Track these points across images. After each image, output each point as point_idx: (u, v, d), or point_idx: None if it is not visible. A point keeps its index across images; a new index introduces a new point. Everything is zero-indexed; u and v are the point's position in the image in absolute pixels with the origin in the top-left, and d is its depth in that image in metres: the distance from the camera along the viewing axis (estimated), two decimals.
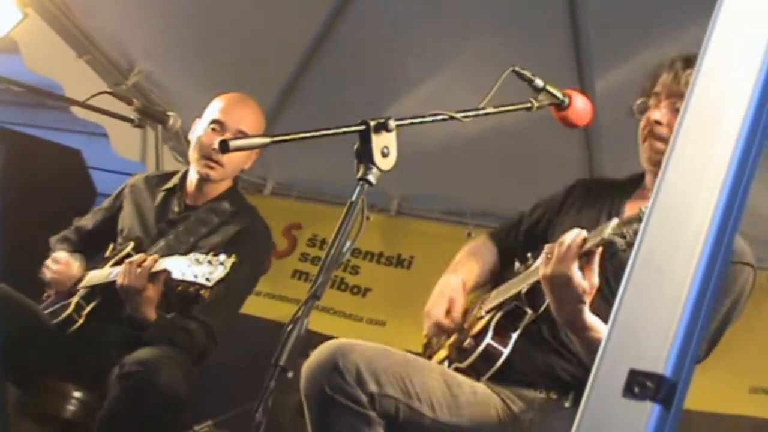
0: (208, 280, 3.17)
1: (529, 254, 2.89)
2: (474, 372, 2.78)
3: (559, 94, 2.72)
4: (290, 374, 2.11)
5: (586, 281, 2.38)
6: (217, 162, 3.72)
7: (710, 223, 1.13)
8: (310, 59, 4.96)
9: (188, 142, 4.64)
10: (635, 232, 2.33)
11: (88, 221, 4.06)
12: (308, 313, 2.25)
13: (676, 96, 2.73)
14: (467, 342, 2.84)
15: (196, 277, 3.18)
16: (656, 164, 2.77)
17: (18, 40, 4.71)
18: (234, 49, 4.85)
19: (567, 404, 2.70)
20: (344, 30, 4.78)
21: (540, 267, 2.49)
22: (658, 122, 2.75)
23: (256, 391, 2.20)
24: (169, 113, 4.21)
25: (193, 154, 3.81)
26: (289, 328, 2.22)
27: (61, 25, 4.86)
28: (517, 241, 3.14)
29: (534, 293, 2.72)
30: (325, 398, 2.46)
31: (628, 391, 1.08)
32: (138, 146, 5.26)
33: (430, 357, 3.03)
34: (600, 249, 2.39)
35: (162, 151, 5.21)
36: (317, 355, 2.45)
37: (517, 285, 2.79)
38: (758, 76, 1.20)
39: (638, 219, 2.38)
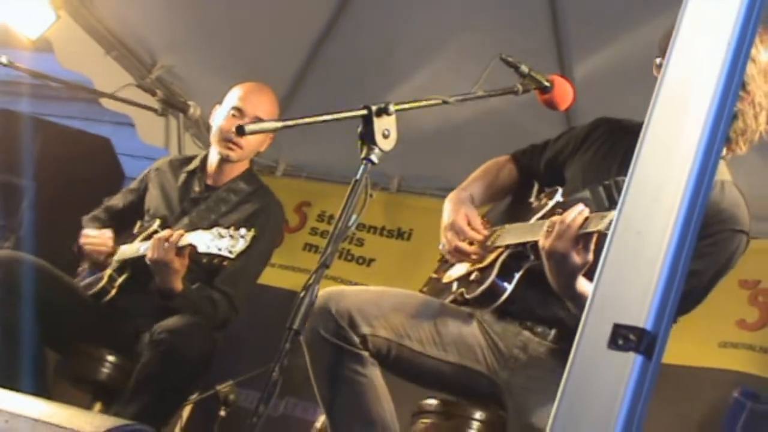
0: (230, 252, 3.17)
1: (542, 192, 2.87)
2: (477, 304, 2.75)
3: (542, 79, 2.73)
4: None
5: (581, 258, 2.37)
6: (237, 144, 3.73)
7: (683, 190, 1.12)
8: (316, 51, 4.95)
9: (207, 129, 4.65)
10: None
11: (117, 201, 4.05)
12: (319, 281, 2.26)
13: None
14: (474, 275, 2.79)
15: (219, 249, 3.18)
16: None
17: (51, 39, 4.70)
18: (247, 42, 4.84)
19: (550, 338, 2.70)
20: (346, 25, 4.77)
21: (540, 238, 2.46)
22: None
23: (273, 353, 2.21)
24: (190, 103, 4.22)
25: (214, 138, 3.80)
26: (302, 294, 2.23)
27: (90, 25, 4.85)
28: (538, 167, 3.06)
29: (538, 247, 2.67)
30: (322, 342, 2.48)
31: (613, 343, 1.08)
32: (161, 133, 5.25)
33: (440, 278, 2.98)
34: (596, 236, 2.37)
35: (183, 138, 5.22)
36: (317, 307, 2.43)
37: (526, 234, 2.71)
38: (725, 57, 1.19)
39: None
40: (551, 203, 2.75)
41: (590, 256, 2.38)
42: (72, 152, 5.71)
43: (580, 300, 2.44)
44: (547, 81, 2.73)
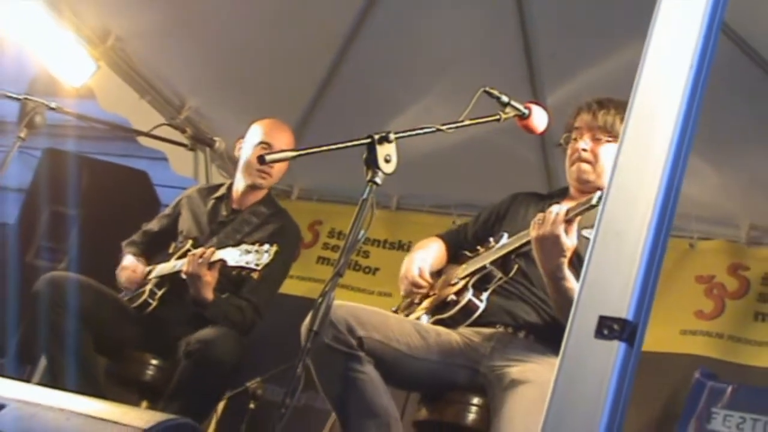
0: (257, 265, 3.18)
1: (490, 238, 2.91)
2: (453, 322, 2.79)
3: (521, 107, 2.72)
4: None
5: (569, 240, 2.45)
6: (267, 173, 3.75)
7: (656, 195, 1.11)
8: (323, 91, 4.96)
9: (231, 161, 4.65)
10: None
11: (153, 225, 4.04)
12: (334, 288, 2.25)
13: (595, 130, 2.82)
14: (450, 298, 2.83)
15: (247, 263, 3.19)
16: (582, 182, 2.86)
17: (93, 86, 4.70)
18: (261, 84, 4.84)
19: (521, 336, 2.70)
20: (349, 67, 4.78)
21: (531, 231, 2.54)
22: (584, 150, 2.82)
23: (293, 352, 2.20)
24: (215, 138, 4.20)
25: (245, 169, 3.80)
26: (319, 300, 2.22)
27: (126, 74, 4.84)
28: (465, 239, 3.15)
29: (504, 262, 2.77)
30: (323, 346, 2.45)
31: (599, 333, 1.07)
32: (191, 165, 5.24)
33: (408, 315, 3.01)
34: (579, 218, 2.47)
35: (210, 169, 5.21)
36: (311, 316, 2.42)
37: (487, 257, 2.82)
38: (688, 76, 1.18)
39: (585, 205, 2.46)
40: (501, 242, 2.83)
41: (575, 239, 2.47)
42: (113, 185, 5.70)
43: (564, 283, 2.51)
44: (525, 108, 2.73)
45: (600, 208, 1.18)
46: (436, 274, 3.07)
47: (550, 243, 2.47)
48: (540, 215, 2.53)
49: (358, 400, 2.52)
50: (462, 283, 2.86)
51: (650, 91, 1.21)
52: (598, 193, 2.45)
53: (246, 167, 3.80)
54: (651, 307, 1.13)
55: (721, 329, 4.33)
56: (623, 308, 1.09)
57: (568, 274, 2.51)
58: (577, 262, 2.56)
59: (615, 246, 1.14)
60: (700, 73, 1.19)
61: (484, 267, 2.81)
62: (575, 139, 2.87)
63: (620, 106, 2.78)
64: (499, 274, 2.77)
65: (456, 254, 3.11)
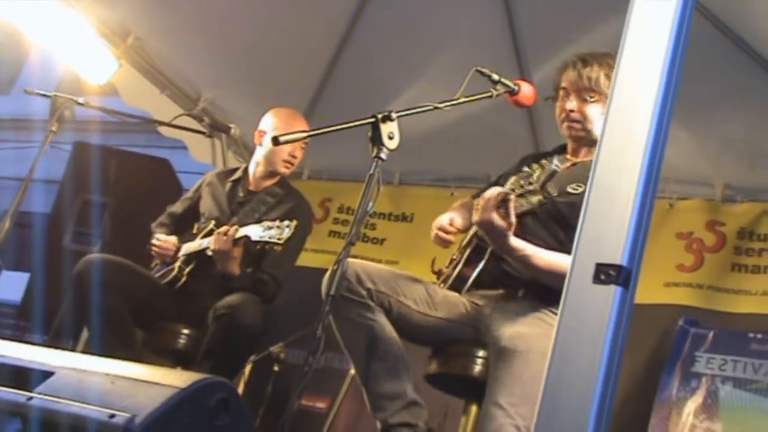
0: (279, 239, 3.18)
1: None
2: (453, 290, 2.80)
3: (510, 84, 2.72)
4: None
5: (504, 221, 2.41)
6: (291, 163, 3.79)
7: (644, 149, 1.12)
8: (328, 75, 4.96)
9: (245, 146, 4.65)
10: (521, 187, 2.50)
11: (177, 208, 4.04)
12: (347, 255, 2.27)
13: (581, 90, 2.76)
14: (448, 270, 2.86)
15: (270, 237, 3.19)
16: (575, 139, 2.83)
17: (116, 83, 4.69)
18: (271, 73, 4.83)
19: (519, 295, 2.69)
20: (351, 55, 4.78)
21: (473, 216, 2.51)
22: (571, 110, 2.77)
23: (310, 318, 2.21)
24: (231, 125, 4.19)
25: (269, 158, 3.80)
26: (335, 267, 2.23)
27: (146, 70, 4.83)
28: None
29: None
30: (338, 298, 2.45)
31: (597, 278, 1.08)
32: (209, 152, 5.23)
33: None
34: (513, 197, 2.42)
35: (227, 154, 5.20)
36: (328, 280, 2.41)
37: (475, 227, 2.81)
38: (668, 47, 1.18)
39: (526, 175, 2.51)
40: None
41: (513, 219, 2.41)
42: (138, 173, 5.73)
43: (518, 254, 2.49)
44: (515, 84, 2.73)
45: (593, 165, 1.18)
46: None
47: (487, 228, 2.44)
48: (476, 201, 2.50)
49: (370, 346, 2.53)
50: (456, 258, 2.87)
51: (635, 50, 1.21)
52: (513, 178, 2.52)
53: (270, 157, 3.79)
54: (643, 254, 1.14)
55: (701, 280, 4.34)
56: (618, 255, 1.09)
57: (517, 244, 2.47)
58: (562, 215, 2.60)
59: (606, 199, 1.14)
60: (679, 40, 1.19)
61: (475, 234, 2.80)
62: (563, 99, 2.82)
63: (603, 62, 2.73)
64: (488, 245, 2.71)
65: None
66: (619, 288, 1.08)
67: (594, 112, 2.77)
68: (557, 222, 2.65)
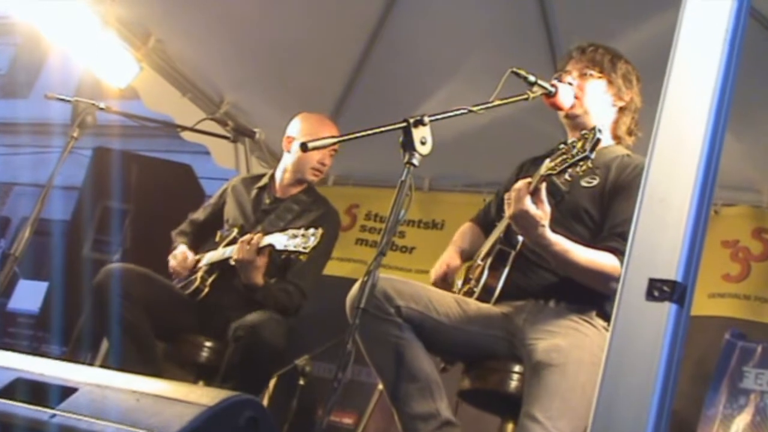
0: (305, 248, 3.16)
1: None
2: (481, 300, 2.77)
3: (547, 86, 2.70)
4: None
5: (540, 210, 2.39)
6: (321, 171, 3.81)
7: (698, 159, 1.09)
8: (355, 78, 4.97)
9: (269, 152, 4.65)
10: (564, 162, 2.37)
11: (199, 215, 4.04)
12: (378, 267, 2.24)
13: (583, 65, 2.79)
14: (472, 283, 2.82)
15: (296, 247, 3.17)
16: (571, 117, 2.81)
17: (137, 87, 4.72)
18: (295, 76, 4.84)
19: (552, 305, 2.65)
20: (379, 55, 4.77)
21: (506, 213, 2.51)
22: (570, 84, 2.77)
23: (336, 329, 2.20)
24: (255, 130, 4.19)
25: (298, 166, 3.79)
26: (365, 279, 2.21)
27: (168, 74, 4.87)
28: (491, 216, 3.10)
29: (508, 235, 2.73)
30: (366, 316, 2.44)
31: (650, 295, 1.05)
32: (232, 157, 5.26)
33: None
34: (544, 184, 2.40)
35: (250, 160, 5.22)
36: (354, 289, 2.39)
37: (495, 235, 2.81)
38: (723, 47, 1.16)
39: (561, 154, 2.39)
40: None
41: (547, 207, 2.40)
42: (160, 179, 5.75)
43: (554, 247, 2.46)
44: (551, 86, 2.70)
45: (644, 175, 1.16)
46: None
47: (522, 219, 2.41)
48: (507, 194, 2.48)
49: (399, 365, 2.50)
50: (482, 265, 2.83)
51: (688, 60, 1.18)
52: (547, 161, 2.41)
53: (298, 164, 3.79)
54: (698, 269, 1.11)
55: (748, 291, 4.28)
56: (672, 270, 1.07)
57: (554, 238, 2.45)
58: (585, 213, 2.61)
59: (660, 211, 1.12)
60: (734, 42, 1.16)
61: (494, 245, 2.77)
62: (562, 77, 2.80)
63: (610, 49, 2.75)
64: (511, 250, 2.72)
65: (489, 232, 3.08)
66: (674, 305, 1.06)
67: (594, 87, 2.77)
68: (574, 217, 2.65)
